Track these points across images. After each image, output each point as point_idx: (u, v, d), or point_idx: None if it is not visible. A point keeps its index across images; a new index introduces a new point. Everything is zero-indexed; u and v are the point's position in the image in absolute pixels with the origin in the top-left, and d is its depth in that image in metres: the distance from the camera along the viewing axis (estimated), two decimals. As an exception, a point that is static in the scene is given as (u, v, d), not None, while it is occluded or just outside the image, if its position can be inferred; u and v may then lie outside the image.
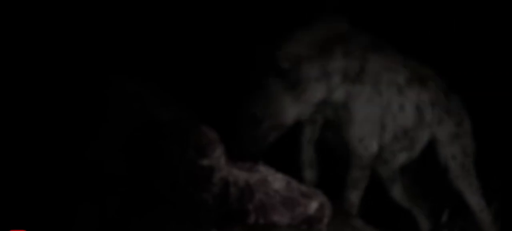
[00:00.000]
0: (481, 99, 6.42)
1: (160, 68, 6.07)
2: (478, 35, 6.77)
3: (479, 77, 6.61)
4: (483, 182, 6.20)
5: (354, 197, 5.49)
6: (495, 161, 6.56)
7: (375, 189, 6.00)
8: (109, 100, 4.94)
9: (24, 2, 5.45)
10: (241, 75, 5.35)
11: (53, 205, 4.70)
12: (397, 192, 6.08)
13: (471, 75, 6.54)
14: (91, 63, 5.21)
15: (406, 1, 6.71)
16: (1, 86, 4.95)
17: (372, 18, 6.50)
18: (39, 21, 5.47)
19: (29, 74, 5.03)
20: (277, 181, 4.85)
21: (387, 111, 5.49)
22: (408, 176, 6.02)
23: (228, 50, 6.20)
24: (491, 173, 6.52)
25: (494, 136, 6.55)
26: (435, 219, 6.16)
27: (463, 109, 5.93)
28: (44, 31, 5.43)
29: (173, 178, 4.73)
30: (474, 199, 5.91)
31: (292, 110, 5.26)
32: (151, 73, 5.75)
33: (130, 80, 5.11)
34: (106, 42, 5.76)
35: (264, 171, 4.88)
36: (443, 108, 5.77)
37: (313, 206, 4.84)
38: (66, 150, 4.79)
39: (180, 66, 6.25)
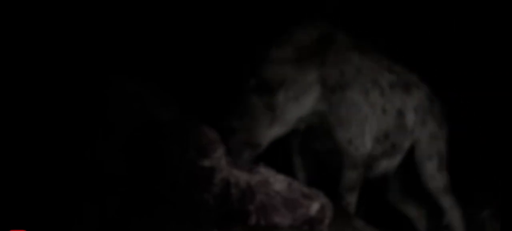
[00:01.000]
0: (481, 100, 6.42)
1: (160, 68, 6.07)
2: (477, 35, 6.77)
3: (479, 77, 6.61)
4: (483, 182, 6.20)
5: (351, 197, 5.48)
6: (495, 161, 6.56)
7: (376, 189, 5.99)
8: (109, 100, 4.93)
9: (24, 2, 5.45)
10: (229, 81, 5.36)
11: (53, 205, 4.70)
12: (392, 195, 6.08)
13: (471, 75, 6.54)
14: (91, 63, 5.21)
15: (405, 2, 6.72)
16: (1, 86, 4.94)
17: (369, 19, 6.52)
18: (39, 21, 5.47)
19: (30, 74, 5.02)
20: (278, 182, 4.84)
21: (373, 112, 5.49)
22: (401, 179, 6.01)
23: (228, 50, 6.20)
24: (490, 173, 6.53)
25: (494, 136, 6.56)
26: (434, 222, 6.15)
27: (443, 115, 5.93)
28: (44, 31, 5.43)
29: (173, 178, 4.72)
30: (447, 199, 5.92)
31: (269, 133, 5.25)
32: (151, 73, 5.75)
33: (130, 80, 5.10)
34: (106, 42, 5.75)
35: (265, 172, 4.88)
36: (426, 112, 5.78)
37: (315, 207, 4.84)
38: (66, 150, 4.78)
39: (180, 66, 6.25)
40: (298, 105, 5.28)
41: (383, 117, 5.55)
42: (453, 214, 5.97)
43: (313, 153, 5.58)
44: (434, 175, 5.85)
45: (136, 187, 4.74)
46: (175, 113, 5.07)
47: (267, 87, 5.19)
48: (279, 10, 6.38)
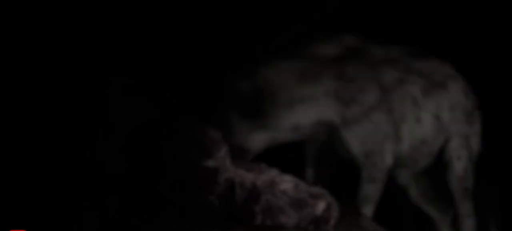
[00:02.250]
0: (481, 99, 6.41)
1: (160, 68, 6.07)
2: (478, 35, 6.77)
3: (479, 77, 6.60)
4: (483, 183, 6.19)
5: (367, 210, 5.44)
6: (495, 162, 6.56)
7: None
8: (109, 100, 4.93)
9: (24, 2, 5.45)
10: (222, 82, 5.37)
11: (53, 205, 4.70)
12: (414, 195, 6.04)
13: (471, 75, 6.53)
14: (91, 63, 5.21)
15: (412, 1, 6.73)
16: (1, 86, 4.94)
17: (372, 17, 6.51)
18: (39, 21, 5.47)
19: (29, 74, 5.02)
20: (285, 182, 4.83)
21: (403, 124, 5.45)
22: (424, 178, 5.98)
23: (229, 51, 6.20)
24: (491, 174, 6.52)
25: (494, 136, 6.55)
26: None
27: (477, 110, 5.90)
28: (44, 31, 5.43)
29: (173, 178, 4.72)
30: (466, 205, 5.87)
31: (252, 138, 5.22)
32: (151, 73, 5.74)
33: (130, 80, 5.10)
34: (106, 42, 5.75)
35: (271, 172, 4.87)
36: (461, 110, 5.75)
37: (321, 206, 4.82)
38: (66, 150, 4.78)
39: (180, 66, 6.25)
40: (293, 113, 5.25)
41: (418, 125, 5.51)
42: (468, 223, 5.88)
43: (334, 158, 5.55)
44: (462, 176, 5.80)
45: (136, 187, 4.73)
46: (175, 113, 5.07)
47: (252, 93, 5.18)
48: (279, 11, 6.38)
